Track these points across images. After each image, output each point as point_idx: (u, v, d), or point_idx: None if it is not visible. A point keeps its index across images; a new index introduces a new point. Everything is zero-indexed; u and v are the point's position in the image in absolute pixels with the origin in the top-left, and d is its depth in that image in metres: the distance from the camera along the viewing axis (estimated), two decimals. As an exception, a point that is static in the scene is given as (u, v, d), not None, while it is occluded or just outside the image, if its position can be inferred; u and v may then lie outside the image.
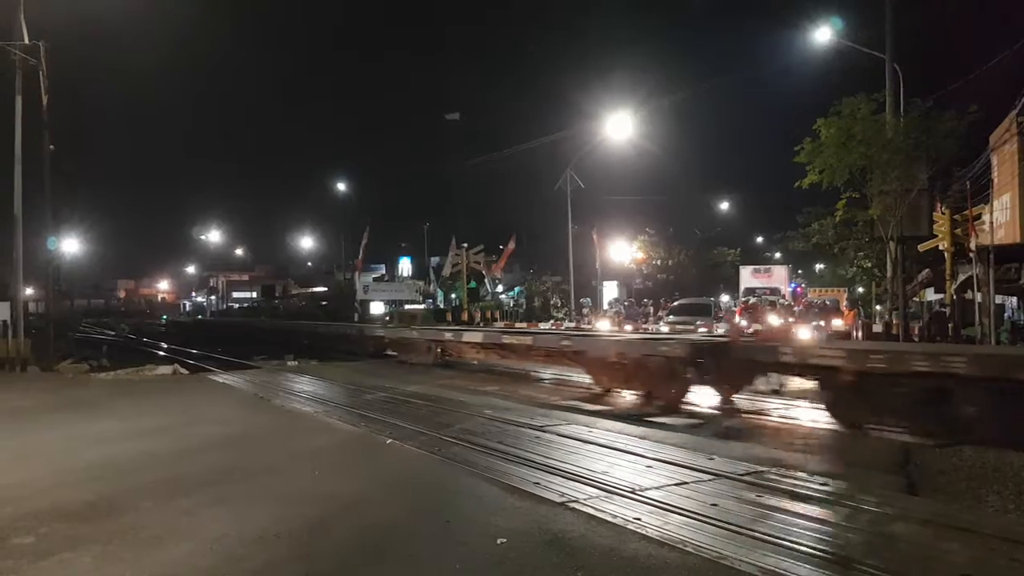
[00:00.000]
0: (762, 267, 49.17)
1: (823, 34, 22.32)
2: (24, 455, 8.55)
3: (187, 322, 63.76)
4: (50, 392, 15.04)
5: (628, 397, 13.18)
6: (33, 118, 20.31)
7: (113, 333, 48.03)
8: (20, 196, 20.04)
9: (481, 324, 37.43)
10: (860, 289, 36.67)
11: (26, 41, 19.68)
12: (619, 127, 35.51)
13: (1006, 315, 22.93)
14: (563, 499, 6.18)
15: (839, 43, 22.09)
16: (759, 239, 71.20)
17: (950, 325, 19.45)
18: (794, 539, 5.08)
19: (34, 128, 20.31)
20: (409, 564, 4.85)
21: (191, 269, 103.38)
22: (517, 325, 32.70)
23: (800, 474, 7.05)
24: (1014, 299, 23.94)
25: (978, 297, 19.77)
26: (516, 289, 52.79)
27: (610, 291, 50.31)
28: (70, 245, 45.89)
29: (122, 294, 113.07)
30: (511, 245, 48.40)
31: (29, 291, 26.97)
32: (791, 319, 27.41)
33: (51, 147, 20.76)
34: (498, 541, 5.17)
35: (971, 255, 19.55)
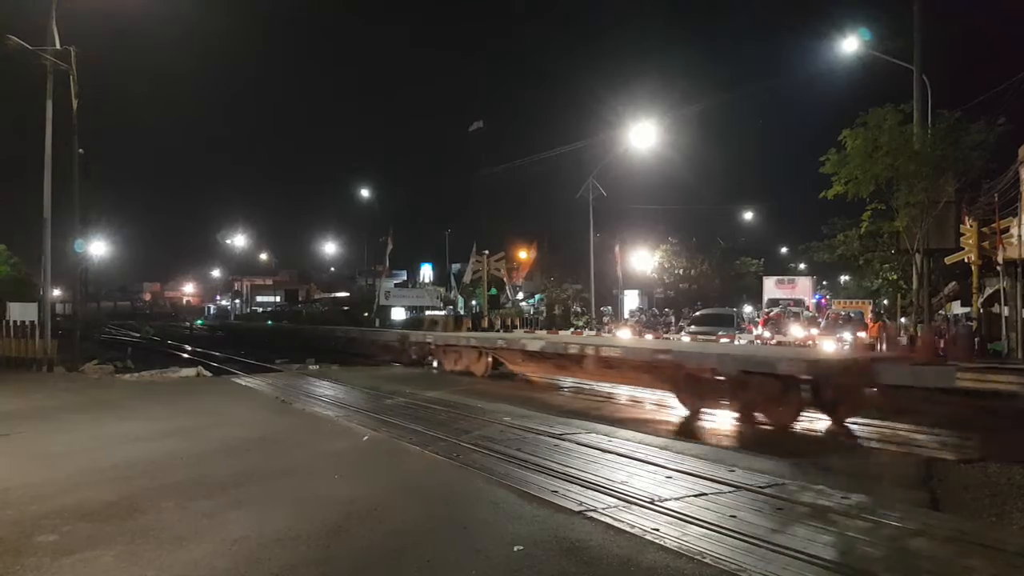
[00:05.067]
0: (786, 278, 48.78)
1: (851, 45, 22.19)
2: (49, 455, 8.66)
3: (221, 325, 63.60)
4: (75, 392, 15.23)
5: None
6: (64, 122, 20.63)
7: (138, 335, 48.53)
8: (50, 199, 20.34)
9: (501, 331, 37.43)
10: (885, 302, 36.32)
11: (57, 46, 20.00)
12: (643, 136, 35.44)
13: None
14: (581, 508, 6.17)
15: (867, 54, 21.96)
16: (783, 250, 70.69)
17: (976, 339, 19.21)
18: (814, 552, 5.04)
19: (64, 131, 20.62)
20: (426, 569, 4.85)
21: (216, 273, 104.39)
22: (538, 333, 32.70)
23: (821, 487, 6.98)
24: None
25: (1005, 311, 19.54)
26: (536, 296, 52.75)
27: (631, 300, 50.17)
28: (98, 248, 46.53)
29: (147, 297, 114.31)
30: (532, 253, 48.40)
31: (57, 292, 27.42)
32: (815, 330, 27.19)
33: (80, 151, 21.08)
34: (515, 548, 5.17)
35: (999, 268, 19.33)
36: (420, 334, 23.48)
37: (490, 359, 18.64)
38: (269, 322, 58.11)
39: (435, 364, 21.48)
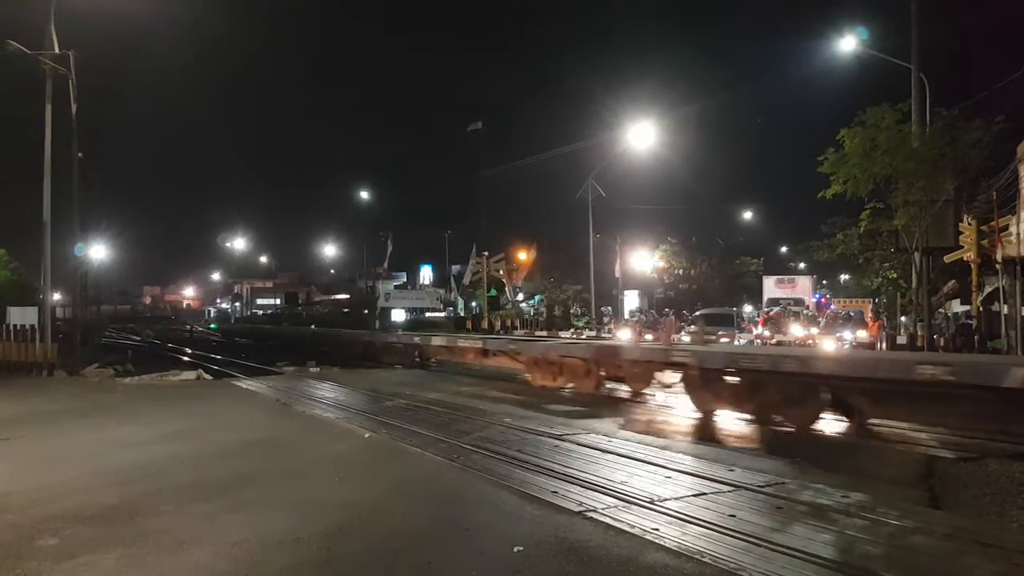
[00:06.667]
0: (786, 277, 48.78)
1: (848, 44, 22.24)
2: (50, 458, 8.66)
3: (251, 330, 61.02)
4: (76, 396, 15.24)
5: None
6: (63, 125, 20.64)
7: (138, 339, 48.56)
8: (49, 203, 20.35)
9: (501, 332, 37.54)
10: (884, 300, 36.38)
11: (56, 50, 20.01)
12: (642, 136, 35.52)
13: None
14: (581, 508, 6.17)
15: (865, 53, 22.00)
16: (783, 249, 70.76)
17: (976, 337, 19.22)
18: (813, 551, 5.04)
19: (64, 135, 20.63)
20: (426, 570, 4.86)
21: (216, 276, 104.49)
22: (537, 334, 32.77)
23: (821, 486, 6.98)
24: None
25: (1005, 309, 19.55)
26: (536, 297, 52.79)
27: (631, 300, 50.19)
28: (97, 251, 46.54)
29: (148, 300, 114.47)
30: (532, 253, 48.43)
31: (57, 296, 27.40)
32: (815, 329, 27.19)
33: (80, 154, 21.09)
34: (515, 549, 5.17)
35: (998, 266, 19.35)
36: (650, 350, 14.49)
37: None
38: (312, 327, 49.90)
39: (648, 393, 14.78)
